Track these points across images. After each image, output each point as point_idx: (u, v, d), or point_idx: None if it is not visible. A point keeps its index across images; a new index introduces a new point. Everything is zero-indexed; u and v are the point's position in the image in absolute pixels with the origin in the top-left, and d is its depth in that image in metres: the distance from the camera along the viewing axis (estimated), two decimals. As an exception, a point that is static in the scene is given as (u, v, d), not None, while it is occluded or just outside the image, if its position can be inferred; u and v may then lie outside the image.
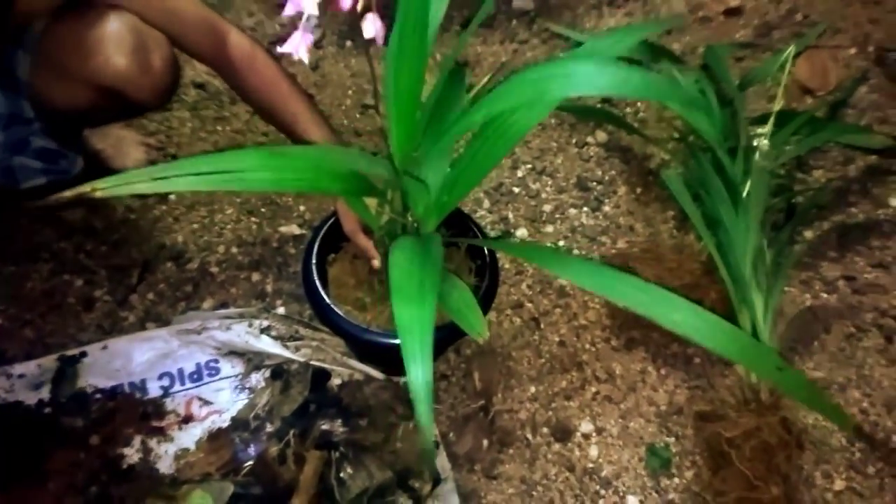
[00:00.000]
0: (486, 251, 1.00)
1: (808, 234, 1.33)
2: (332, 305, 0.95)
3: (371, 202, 0.90)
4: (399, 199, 0.87)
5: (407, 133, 0.79)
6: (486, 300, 0.98)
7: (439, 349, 1.13)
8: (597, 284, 0.74)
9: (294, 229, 1.27)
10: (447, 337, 0.96)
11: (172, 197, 1.31)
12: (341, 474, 0.99)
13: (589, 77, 0.64)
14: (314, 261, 1.00)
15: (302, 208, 1.30)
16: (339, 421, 1.03)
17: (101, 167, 1.29)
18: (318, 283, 0.97)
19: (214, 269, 1.23)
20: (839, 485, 1.07)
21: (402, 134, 0.80)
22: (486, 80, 0.85)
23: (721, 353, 0.71)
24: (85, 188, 0.62)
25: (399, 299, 0.66)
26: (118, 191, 0.63)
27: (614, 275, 0.74)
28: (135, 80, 0.95)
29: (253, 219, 1.29)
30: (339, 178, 0.78)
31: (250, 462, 1.03)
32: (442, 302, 0.82)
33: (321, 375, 1.09)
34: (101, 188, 0.63)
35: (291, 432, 1.02)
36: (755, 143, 1.23)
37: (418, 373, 0.61)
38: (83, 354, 1.11)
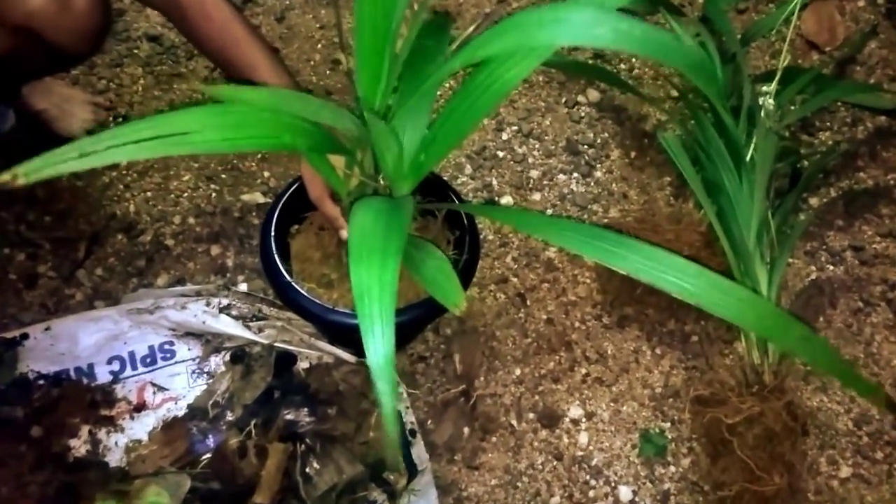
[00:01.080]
0: (465, 220, 0.90)
1: (814, 200, 1.24)
2: (293, 282, 0.85)
3: (339, 163, 0.80)
4: (370, 159, 0.78)
5: (375, 78, 0.69)
6: (465, 274, 0.88)
7: (416, 329, 1.04)
8: (597, 251, 0.63)
9: (257, 197, 1.16)
10: (424, 315, 0.87)
11: (124, 162, 1.19)
12: (307, 469, 0.90)
13: (586, 26, 0.54)
14: (273, 232, 0.89)
15: (266, 174, 1.19)
16: (306, 410, 0.94)
17: (43, 129, 1.17)
18: (276, 257, 0.87)
19: (169, 242, 1.12)
20: (845, 472, 1.00)
21: (370, 79, 0.69)
22: (469, 31, 0.75)
23: (739, 324, 0.63)
24: (4, 177, 0.52)
25: (357, 261, 0.55)
26: (43, 174, 0.53)
27: (616, 239, 0.63)
28: (53, 19, 0.83)
29: (212, 186, 1.18)
30: (300, 133, 0.68)
31: (208, 455, 0.94)
32: (416, 272, 0.75)
33: (286, 359, 1.00)
34: (23, 175, 0.53)
35: (253, 422, 0.93)
36: (760, 103, 1.13)
37: (378, 346, 0.51)
38: (24, 336, 1.01)
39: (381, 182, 0.82)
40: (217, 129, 0.61)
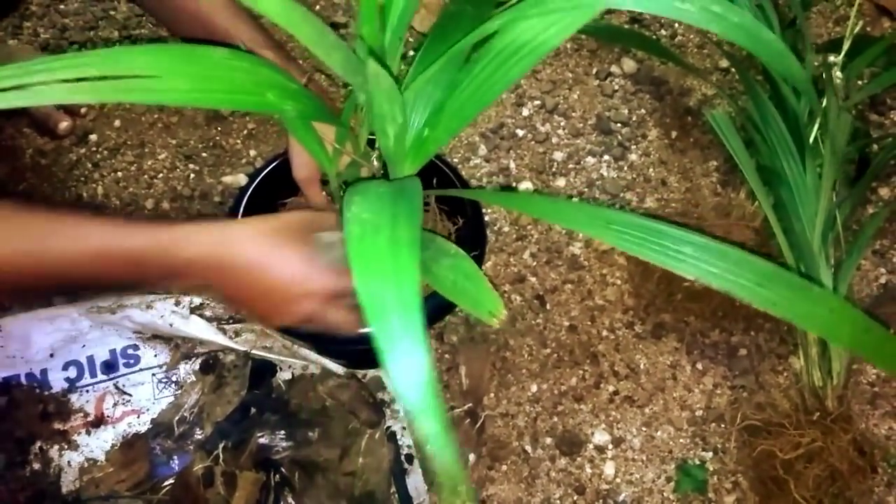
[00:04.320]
0: (468, 208, 0.75)
1: (884, 191, 1.07)
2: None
3: (328, 135, 0.66)
4: (366, 132, 0.64)
5: (379, 28, 0.55)
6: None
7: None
8: (644, 246, 0.48)
9: (241, 179, 1.02)
10: (427, 315, 0.72)
11: (93, 137, 1.06)
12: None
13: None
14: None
15: (253, 153, 1.05)
16: (283, 433, 0.81)
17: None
18: None
19: (140, 230, 0.98)
20: (921, 516, 0.84)
21: (373, 29, 0.55)
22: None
23: (833, 341, 0.49)
24: None
25: (361, 266, 0.40)
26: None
27: (667, 231, 0.48)
28: None
29: (191, 166, 1.04)
30: (287, 93, 0.54)
31: (171, 480, 0.81)
32: (427, 275, 0.60)
33: (264, 369, 0.86)
34: None
35: (223, 444, 0.80)
36: (829, 76, 0.96)
37: (411, 373, 0.37)
38: (-29, 336, 0.88)
39: (376, 163, 0.68)
40: (187, 76, 0.48)
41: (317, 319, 0.65)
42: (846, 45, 1.00)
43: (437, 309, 0.71)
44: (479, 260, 0.75)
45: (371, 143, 0.66)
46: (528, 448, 0.87)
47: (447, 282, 0.59)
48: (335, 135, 0.66)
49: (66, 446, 0.85)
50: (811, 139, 0.93)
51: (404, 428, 0.85)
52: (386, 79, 0.50)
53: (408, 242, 0.42)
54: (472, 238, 0.74)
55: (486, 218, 1.00)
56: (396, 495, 0.81)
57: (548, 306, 0.95)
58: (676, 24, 1.19)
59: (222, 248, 0.61)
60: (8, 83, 0.43)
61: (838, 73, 1.01)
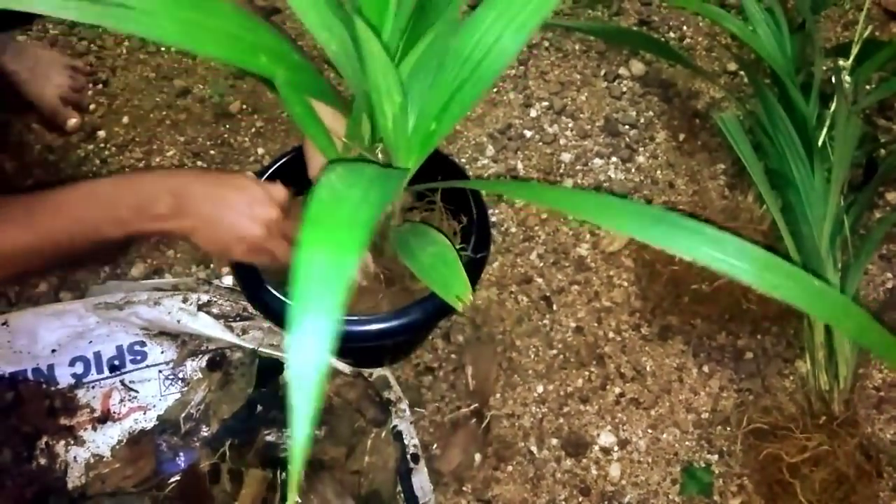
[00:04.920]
0: (472, 206, 0.75)
1: (891, 196, 1.07)
2: (264, 279, 0.71)
3: (338, 127, 0.66)
4: (367, 120, 0.63)
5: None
6: (473, 270, 0.72)
7: (422, 332, 0.89)
8: (655, 233, 0.46)
9: (249, 176, 1.02)
10: (423, 319, 0.71)
11: (101, 133, 1.06)
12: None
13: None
14: None
15: (260, 151, 1.05)
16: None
17: (14, 92, 1.04)
18: None
19: (148, 226, 0.98)
20: (927, 521, 0.84)
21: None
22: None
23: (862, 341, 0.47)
24: None
25: (313, 229, 0.39)
26: None
27: (674, 219, 0.47)
28: None
29: (199, 163, 1.04)
30: (280, 58, 0.54)
31: (177, 477, 0.81)
32: (412, 261, 0.62)
33: (271, 367, 0.86)
34: None
35: (229, 442, 0.80)
36: (838, 79, 0.96)
37: (310, 346, 0.34)
38: (-22, 331, 0.88)
39: (380, 155, 0.67)
40: (178, 15, 0.48)
41: (261, 249, 0.67)
42: (855, 50, 1.00)
43: (433, 311, 0.71)
44: (484, 259, 0.74)
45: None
46: (534, 449, 0.87)
47: (425, 266, 0.61)
48: (345, 128, 0.65)
49: (72, 442, 0.85)
50: (820, 142, 0.93)
51: (411, 423, 0.85)
52: (381, 54, 0.50)
53: (364, 224, 0.40)
54: (478, 236, 0.74)
55: (494, 219, 1.00)
56: (402, 494, 0.81)
57: (554, 307, 0.95)
58: (685, 27, 1.19)
59: (182, 178, 0.68)
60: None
61: (847, 78, 1.01)
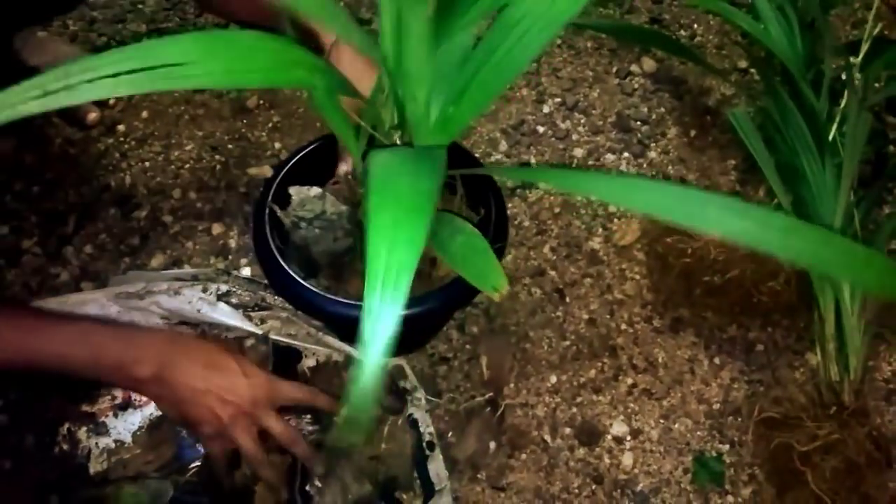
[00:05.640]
0: (491, 198, 0.76)
1: (901, 191, 1.08)
2: (284, 264, 0.72)
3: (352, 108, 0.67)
4: (390, 111, 0.64)
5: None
6: (496, 240, 0.74)
7: (441, 320, 0.91)
8: (674, 208, 0.46)
9: (266, 171, 1.04)
10: (442, 306, 0.72)
11: (121, 128, 1.07)
12: (307, 487, 0.78)
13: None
14: (273, 204, 0.76)
15: (277, 145, 1.07)
16: (308, 417, 0.82)
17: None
18: (269, 233, 0.74)
19: (167, 218, 1.00)
20: (936, 511, 0.85)
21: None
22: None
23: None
24: None
25: (380, 206, 0.41)
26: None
27: (699, 195, 0.47)
28: None
29: (217, 157, 1.05)
30: (314, 69, 0.55)
31: (197, 462, 0.83)
32: (443, 251, 0.62)
33: (290, 356, 0.88)
34: None
35: (248, 428, 0.81)
36: (849, 75, 0.97)
37: (382, 327, 0.37)
38: (2, 319, 0.90)
39: (398, 142, 0.68)
40: (220, 59, 0.50)
41: (224, 438, 0.72)
42: (864, 47, 1.01)
43: (453, 298, 0.72)
44: (502, 245, 0.76)
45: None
46: (548, 438, 0.88)
47: (458, 256, 0.61)
48: (363, 113, 0.66)
49: (93, 428, 0.86)
50: (830, 138, 0.94)
51: (427, 411, 0.86)
52: (421, 26, 0.51)
53: (428, 195, 0.42)
54: (496, 225, 0.75)
55: (507, 213, 1.01)
56: (418, 481, 0.82)
57: (567, 299, 0.96)
58: (696, 25, 1.20)
59: (176, 349, 0.72)
60: (56, 85, 0.44)
61: (857, 74, 1.02)
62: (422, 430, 0.85)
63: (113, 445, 0.85)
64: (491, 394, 0.89)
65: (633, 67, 1.15)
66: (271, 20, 0.73)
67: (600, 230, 1.01)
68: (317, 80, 0.57)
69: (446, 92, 0.61)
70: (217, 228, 0.99)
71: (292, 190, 0.75)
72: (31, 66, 1.05)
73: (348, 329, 0.86)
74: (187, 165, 1.05)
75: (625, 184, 0.49)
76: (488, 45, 0.58)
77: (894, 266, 0.41)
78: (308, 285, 0.71)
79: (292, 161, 0.83)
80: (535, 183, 1.05)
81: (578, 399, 0.90)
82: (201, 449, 0.84)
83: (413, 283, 0.75)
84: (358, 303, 0.70)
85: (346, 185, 0.75)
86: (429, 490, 0.82)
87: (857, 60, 1.02)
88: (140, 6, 1.18)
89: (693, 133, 1.09)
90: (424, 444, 0.85)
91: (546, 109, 1.11)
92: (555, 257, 0.99)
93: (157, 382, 0.69)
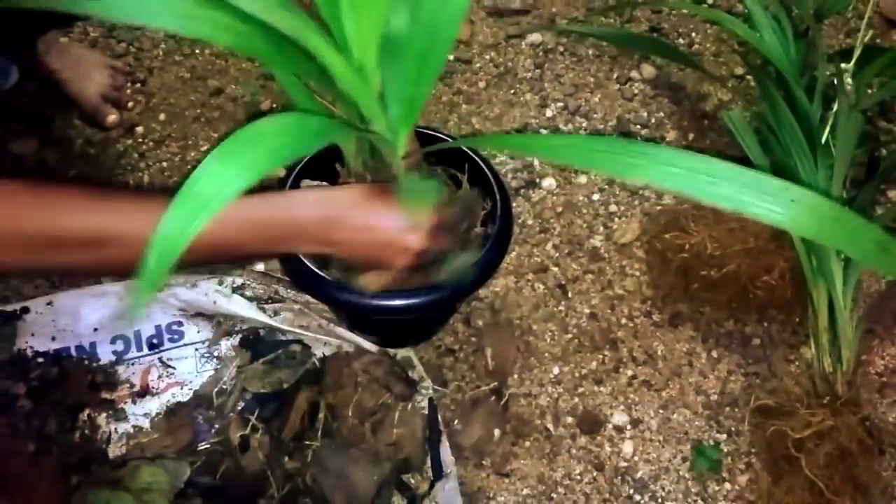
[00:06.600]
0: (496, 190, 0.79)
1: (893, 193, 1.11)
2: (304, 258, 0.76)
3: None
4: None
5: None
6: (495, 252, 0.76)
7: (443, 314, 0.94)
8: (668, 175, 0.48)
9: (279, 171, 1.07)
10: (450, 298, 0.75)
11: (139, 129, 1.11)
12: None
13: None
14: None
15: (290, 146, 1.10)
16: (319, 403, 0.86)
17: (56, 90, 1.10)
18: None
19: (184, 215, 1.04)
20: (927, 499, 0.88)
21: None
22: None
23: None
24: None
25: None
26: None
27: (715, 167, 0.49)
28: None
29: (232, 157, 1.09)
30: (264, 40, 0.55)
31: (209, 445, 0.86)
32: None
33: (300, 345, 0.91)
34: None
35: (258, 413, 0.85)
36: (840, 80, 1.01)
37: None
38: (25, 310, 0.93)
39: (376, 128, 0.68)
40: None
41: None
42: (857, 54, 1.05)
43: (452, 293, 0.74)
44: (506, 237, 0.77)
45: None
46: (550, 426, 0.91)
47: None
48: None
49: (112, 414, 0.90)
50: (823, 140, 0.98)
51: (434, 403, 0.89)
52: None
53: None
54: (501, 214, 0.77)
55: (510, 202, 1.04)
56: (430, 463, 0.85)
57: (569, 295, 1.00)
58: (694, 34, 1.24)
59: (334, 209, 0.66)
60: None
61: (849, 80, 1.06)
62: (430, 417, 0.88)
63: (131, 430, 0.88)
64: (495, 384, 0.92)
65: (634, 74, 1.19)
66: None
67: (601, 228, 1.05)
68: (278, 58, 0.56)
69: (400, 63, 0.61)
70: (232, 225, 1.03)
71: (303, 185, 0.79)
72: (53, 69, 1.09)
73: (358, 319, 0.89)
74: (203, 165, 1.08)
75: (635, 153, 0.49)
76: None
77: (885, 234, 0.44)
78: (324, 275, 0.74)
79: (304, 160, 0.87)
80: (536, 182, 1.08)
81: (580, 389, 0.93)
82: (215, 434, 0.87)
83: (421, 275, 0.77)
84: (374, 293, 0.73)
85: (356, 182, 0.78)
86: (437, 473, 0.85)
87: (849, 67, 1.06)
88: (158, 14, 1.22)
89: (691, 136, 1.13)
90: (433, 431, 0.88)
91: (549, 113, 1.15)
92: (557, 254, 1.03)
93: (326, 243, 0.66)
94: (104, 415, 0.89)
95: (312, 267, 0.75)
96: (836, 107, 0.99)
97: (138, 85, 1.15)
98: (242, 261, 0.67)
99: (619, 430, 0.91)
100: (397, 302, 0.73)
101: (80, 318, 0.94)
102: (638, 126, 1.14)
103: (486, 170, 0.83)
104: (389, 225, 0.65)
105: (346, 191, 0.69)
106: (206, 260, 0.66)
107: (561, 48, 1.22)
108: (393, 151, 0.65)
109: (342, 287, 0.72)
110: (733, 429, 0.91)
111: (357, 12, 0.58)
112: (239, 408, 0.87)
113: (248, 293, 0.94)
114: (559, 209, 1.06)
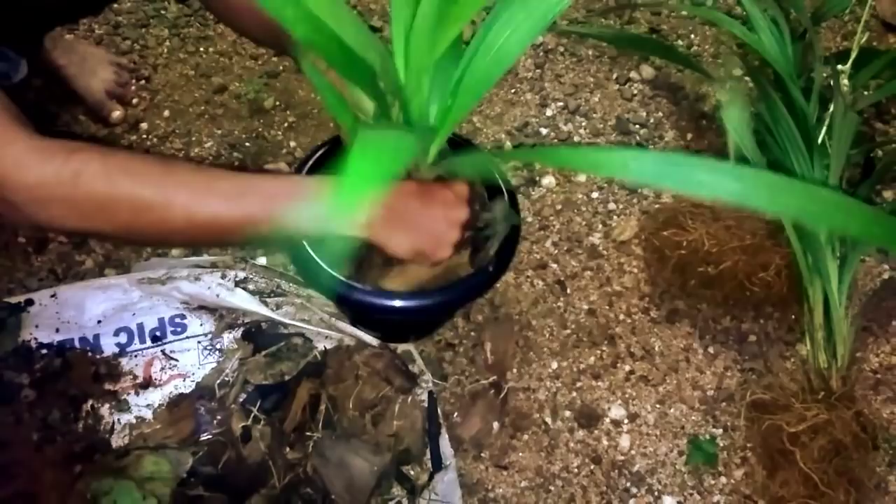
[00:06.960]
0: (504, 190, 0.81)
1: (888, 193, 1.13)
2: (311, 251, 0.77)
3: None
4: (398, 108, 0.67)
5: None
6: (505, 251, 0.78)
7: (447, 313, 0.95)
8: (665, 174, 0.49)
9: (282, 167, 1.09)
10: (451, 299, 0.76)
11: (144, 125, 1.13)
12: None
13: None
14: None
15: (293, 144, 1.12)
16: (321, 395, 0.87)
17: (62, 85, 1.11)
18: None
19: (187, 210, 1.05)
20: (920, 494, 0.89)
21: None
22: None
23: None
24: None
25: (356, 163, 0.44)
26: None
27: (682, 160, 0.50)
28: None
29: (235, 154, 1.11)
30: (311, 25, 0.56)
31: (212, 436, 0.87)
32: None
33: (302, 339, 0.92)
34: None
35: (259, 404, 0.86)
36: (836, 81, 1.02)
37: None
38: (29, 302, 0.94)
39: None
40: None
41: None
42: (853, 55, 1.07)
43: (463, 293, 0.75)
44: (514, 237, 0.79)
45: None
46: (549, 420, 0.92)
47: None
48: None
49: (115, 405, 0.90)
50: (819, 140, 0.99)
51: (434, 397, 0.91)
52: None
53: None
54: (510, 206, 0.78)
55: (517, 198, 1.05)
56: (429, 455, 0.86)
57: (568, 291, 1.01)
58: (693, 35, 1.26)
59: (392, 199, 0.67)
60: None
61: (845, 81, 1.07)
62: (429, 410, 0.89)
63: (134, 421, 0.89)
64: (494, 378, 0.93)
65: (633, 74, 1.20)
66: (279, 40, 0.77)
67: (600, 226, 1.06)
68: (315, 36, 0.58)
69: (445, 87, 0.65)
70: (235, 220, 1.04)
71: None
72: (59, 65, 1.11)
73: (361, 313, 0.90)
74: (207, 161, 1.10)
75: (614, 155, 0.51)
76: (480, 41, 0.63)
77: (875, 213, 0.44)
78: (336, 274, 0.75)
79: (313, 158, 0.88)
80: (536, 180, 1.10)
81: (578, 384, 0.94)
82: (217, 425, 0.88)
83: (428, 279, 0.78)
84: (379, 290, 0.74)
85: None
86: (437, 465, 0.86)
87: (846, 68, 1.07)
88: (163, 12, 1.24)
89: (690, 136, 1.15)
90: (432, 424, 0.89)
91: (549, 113, 1.16)
92: (556, 251, 1.04)
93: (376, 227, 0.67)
94: (107, 405, 0.90)
95: (323, 265, 0.76)
96: (832, 108, 1.01)
97: (143, 81, 1.17)
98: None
99: (617, 424, 0.92)
100: (412, 302, 0.73)
101: (84, 310, 0.95)
102: (637, 126, 1.15)
103: (495, 171, 0.83)
104: (446, 199, 0.68)
105: (398, 184, 0.69)
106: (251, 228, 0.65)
107: (561, 49, 1.23)
108: (424, 157, 0.67)
109: (356, 287, 0.73)
110: (729, 423, 0.93)
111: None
112: (241, 399, 0.88)
113: (250, 287, 0.95)
114: (559, 207, 1.07)
